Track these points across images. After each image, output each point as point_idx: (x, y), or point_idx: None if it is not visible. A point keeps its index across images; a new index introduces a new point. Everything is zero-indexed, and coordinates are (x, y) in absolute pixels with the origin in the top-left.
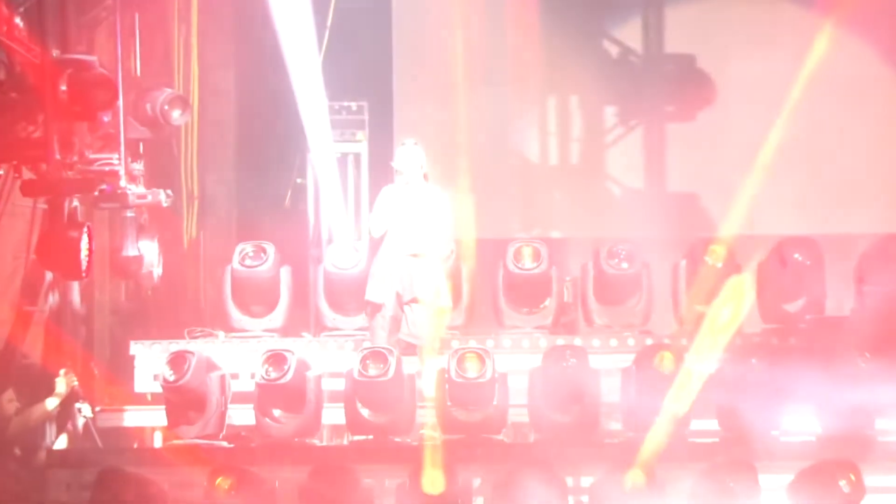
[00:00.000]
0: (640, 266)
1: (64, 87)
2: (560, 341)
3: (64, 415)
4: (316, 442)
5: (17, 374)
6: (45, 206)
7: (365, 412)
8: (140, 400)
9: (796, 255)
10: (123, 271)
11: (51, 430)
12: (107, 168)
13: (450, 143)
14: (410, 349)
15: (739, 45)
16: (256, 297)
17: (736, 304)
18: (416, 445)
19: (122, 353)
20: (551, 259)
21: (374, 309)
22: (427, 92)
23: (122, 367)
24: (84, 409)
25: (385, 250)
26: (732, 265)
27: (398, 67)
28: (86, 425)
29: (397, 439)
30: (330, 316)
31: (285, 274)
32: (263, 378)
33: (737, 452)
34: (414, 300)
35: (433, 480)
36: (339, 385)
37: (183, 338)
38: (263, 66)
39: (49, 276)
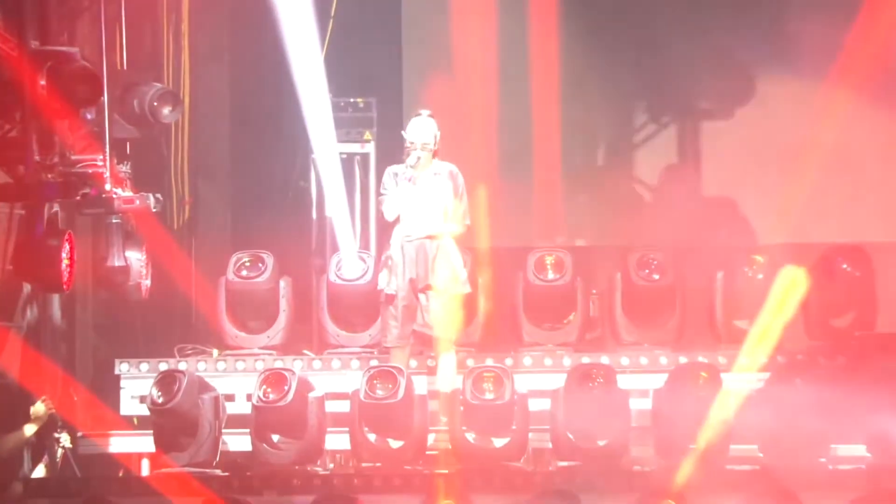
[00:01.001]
0: (672, 277)
1: (43, 82)
2: (585, 360)
3: (42, 443)
4: (318, 470)
5: None
6: (23, 212)
7: (372, 437)
8: (126, 424)
9: (844, 266)
10: (108, 283)
11: (28, 458)
12: (90, 170)
13: (464, 143)
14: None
15: (778, 37)
16: (253, 311)
17: (788, 298)
18: (428, 474)
19: (106, 372)
20: (576, 270)
21: (387, 299)
22: (440, 87)
23: (106, 388)
24: (63, 439)
25: (397, 234)
26: (774, 276)
27: (408, 60)
28: (64, 455)
29: (407, 467)
30: (334, 332)
31: (285, 286)
32: (261, 400)
33: (779, 482)
34: (429, 287)
35: None
36: (344, 407)
37: (173, 356)
38: (261, 58)
39: (27, 288)
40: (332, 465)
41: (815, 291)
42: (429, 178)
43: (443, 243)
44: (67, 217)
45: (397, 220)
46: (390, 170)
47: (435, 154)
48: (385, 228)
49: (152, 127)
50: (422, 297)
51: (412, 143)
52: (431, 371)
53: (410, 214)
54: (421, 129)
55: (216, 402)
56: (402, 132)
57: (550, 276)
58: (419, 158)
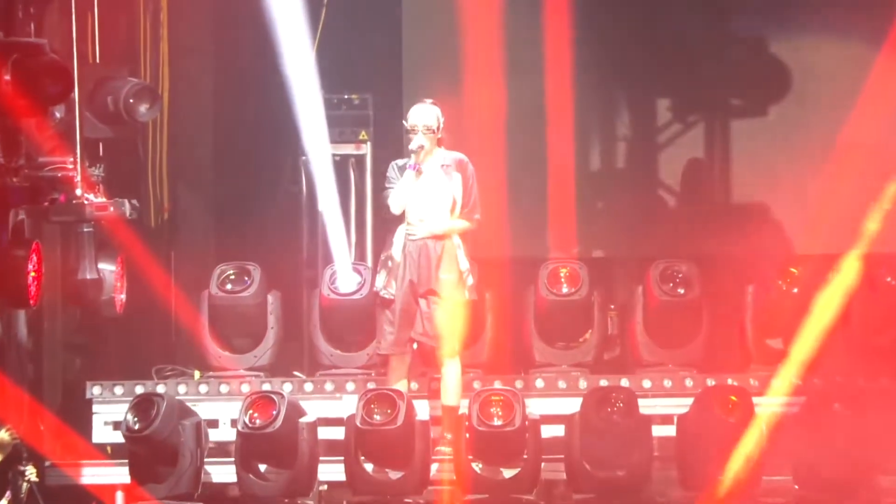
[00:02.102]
0: (699, 292)
1: (8, 77)
2: (603, 382)
3: (4, 475)
4: (310, 503)
5: None
6: None
7: (369, 467)
8: (98, 453)
9: (888, 279)
10: (79, 298)
11: None
12: (59, 174)
13: (471, 143)
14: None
15: (817, 27)
16: (239, 329)
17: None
18: None
19: (77, 396)
20: (592, 283)
21: (384, 303)
22: (443, 82)
23: (77, 414)
24: (28, 471)
25: (400, 232)
26: (811, 291)
27: (409, 53)
28: (30, 490)
29: (408, 500)
30: (327, 351)
31: (274, 301)
32: (247, 426)
33: None
34: (431, 292)
35: None
36: (339, 434)
37: (151, 378)
38: (248, 50)
39: None
40: (325, 498)
41: (855, 306)
42: (435, 170)
43: (448, 244)
44: (34, 225)
45: (401, 218)
46: (395, 164)
47: (440, 143)
48: (382, 232)
49: (128, 126)
50: (422, 302)
51: (413, 126)
52: (434, 394)
53: (415, 210)
54: (423, 112)
55: (198, 429)
56: (403, 121)
57: (565, 290)
58: (422, 146)
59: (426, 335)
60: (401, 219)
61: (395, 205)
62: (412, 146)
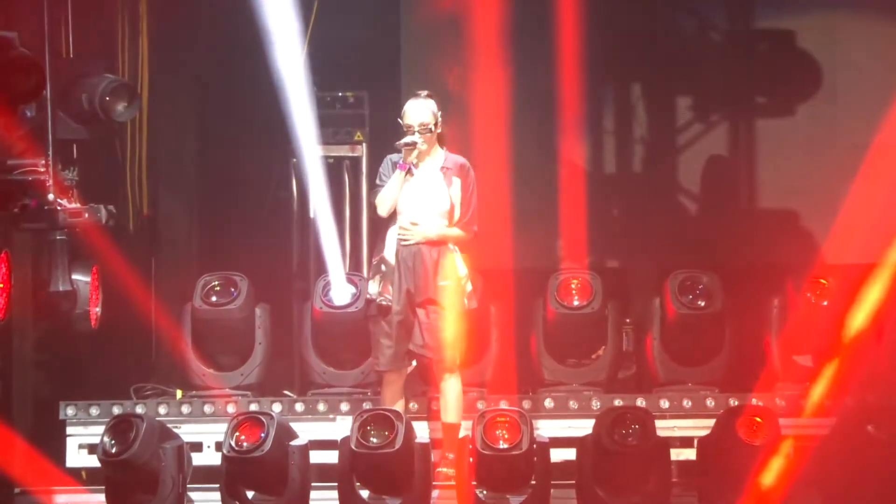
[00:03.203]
0: (721, 304)
1: None
2: (618, 402)
3: None
4: None
5: None
6: None
7: (365, 493)
8: (72, 479)
9: None
10: (51, 311)
11: None
12: (30, 177)
13: (476, 144)
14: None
15: (850, 18)
16: (224, 345)
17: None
18: None
19: (49, 417)
20: (606, 295)
21: (380, 313)
22: (445, 78)
23: (49, 436)
24: None
25: (392, 234)
26: (843, 303)
27: (408, 47)
28: None
29: None
30: (320, 369)
31: (262, 314)
32: (233, 449)
33: None
34: (430, 301)
35: None
36: (332, 458)
37: (129, 398)
38: (234, 45)
39: None
40: None
41: (889, 320)
42: (433, 172)
43: (444, 249)
44: (2, 233)
45: (392, 219)
46: (390, 158)
47: (442, 142)
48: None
49: (104, 126)
50: (420, 312)
51: (409, 125)
52: (435, 415)
53: (407, 212)
54: (418, 109)
55: (180, 453)
56: (399, 119)
57: (576, 302)
58: (413, 143)
59: (427, 347)
60: (390, 220)
61: (382, 204)
62: (401, 142)
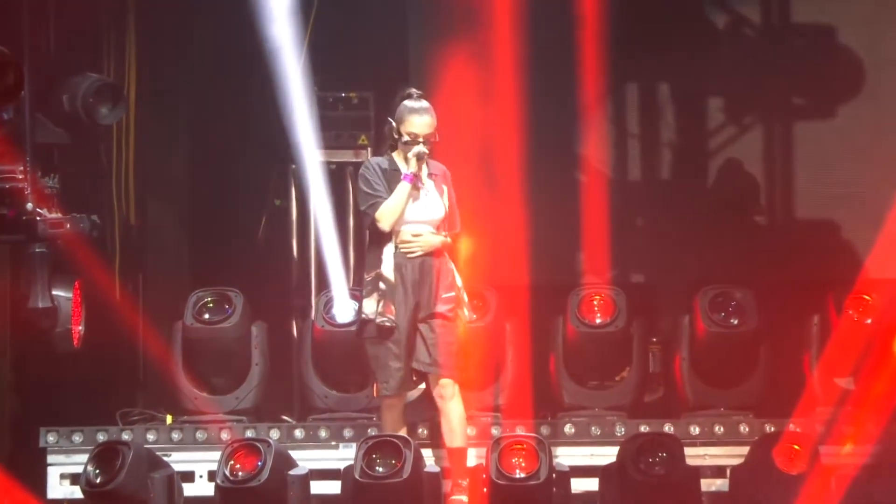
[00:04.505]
0: (756, 322)
1: None
2: (644, 428)
3: None
4: None
5: None
6: None
7: None
8: None
9: None
10: (31, 329)
11: None
12: (7, 185)
13: (488, 148)
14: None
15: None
16: (218, 366)
17: None
18: None
19: (28, 444)
20: (631, 313)
21: (382, 333)
22: (455, 78)
23: (28, 465)
24: None
25: (390, 249)
26: (887, 321)
27: (415, 45)
28: None
29: None
30: (321, 392)
31: (258, 333)
32: (228, 479)
33: None
34: (436, 315)
35: None
36: (335, 489)
37: (115, 423)
38: (229, 42)
39: None
40: None
41: None
42: (427, 180)
43: (444, 260)
44: None
45: (383, 234)
46: (374, 163)
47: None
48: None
49: (87, 129)
50: (423, 328)
51: (413, 134)
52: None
53: (411, 224)
54: (425, 118)
55: (170, 483)
56: (391, 119)
57: (598, 320)
58: (425, 153)
59: (437, 365)
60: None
61: (387, 217)
62: (413, 153)
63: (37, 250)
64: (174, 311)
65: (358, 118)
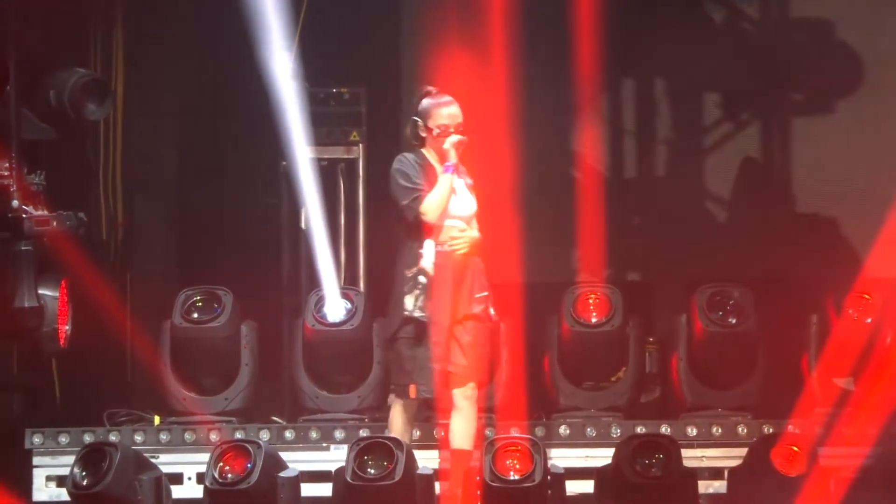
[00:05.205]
0: (754, 322)
1: None
2: (640, 429)
3: None
4: None
5: None
6: None
7: None
8: None
9: None
10: (16, 329)
11: None
12: None
13: (482, 144)
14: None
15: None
16: (207, 366)
17: None
18: None
19: (13, 446)
20: (627, 312)
21: (421, 332)
22: (448, 74)
23: (13, 467)
24: None
25: (430, 246)
26: (888, 320)
27: (408, 39)
28: None
29: None
30: (312, 393)
31: (248, 332)
32: (217, 481)
33: None
34: (471, 316)
35: None
36: (326, 491)
37: (102, 425)
38: (218, 37)
39: None
40: None
41: None
42: (461, 176)
43: (478, 259)
44: None
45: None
46: (408, 158)
47: None
48: (378, 250)
49: (74, 126)
50: (458, 329)
51: (443, 125)
52: (443, 443)
53: (453, 220)
54: (454, 109)
55: (158, 485)
56: (415, 118)
57: (594, 319)
58: (465, 141)
59: (471, 367)
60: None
61: (433, 210)
62: (451, 142)
63: (23, 248)
64: (162, 311)
65: (349, 114)
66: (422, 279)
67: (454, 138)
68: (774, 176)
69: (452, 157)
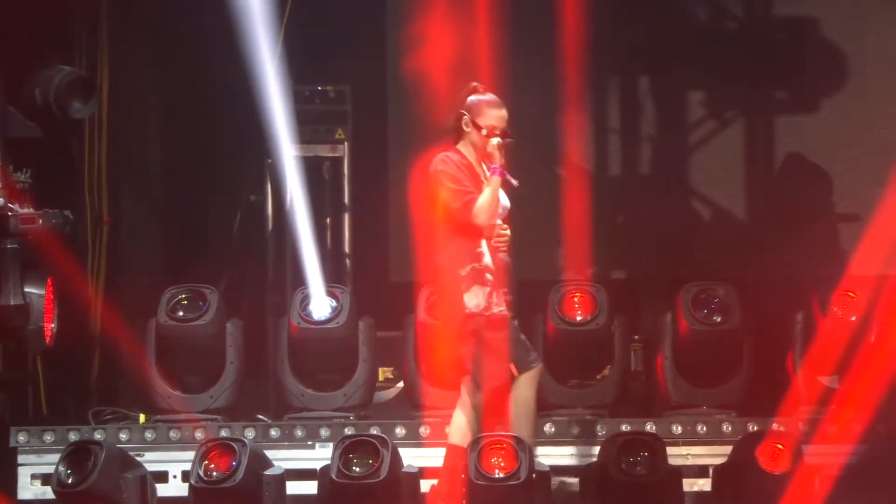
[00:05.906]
0: (739, 320)
1: None
2: (625, 427)
3: None
4: None
5: None
6: None
7: None
8: None
9: None
10: (1, 328)
11: None
12: None
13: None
14: None
15: (881, 4)
16: (192, 364)
17: None
18: None
19: None
20: (612, 310)
21: (504, 325)
22: (434, 71)
23: None
24: None
25: (483, 244)
26: (873, 318)
27: (393, 36)
28: None
29: None
30: (297, 391)
31: (233, 330)
32: (202, 480)
33: None
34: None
35: None
36: (311, 489)
37: (87, 423)
38: (203, 35)
39: None
40: None
41: None
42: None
43: (506, 257)
44: None
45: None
46: (452, 159)
47: None
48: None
49: (60, 123)
50: None
51: (491, 126)
52: (432, 440)
53: (500, 219)
54: (503, 111)
55: (143, 483)
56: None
57: (579, 317)
58: (512, 143)
59: (536, 359)
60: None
61: (484, 213)
62: (496, 145)
63: (8, 246)
64: (147, 309)
65: (334, 112)
66: (488, 276)
67: (501, 140)
68: (759, 174)
69: (499, 159)
